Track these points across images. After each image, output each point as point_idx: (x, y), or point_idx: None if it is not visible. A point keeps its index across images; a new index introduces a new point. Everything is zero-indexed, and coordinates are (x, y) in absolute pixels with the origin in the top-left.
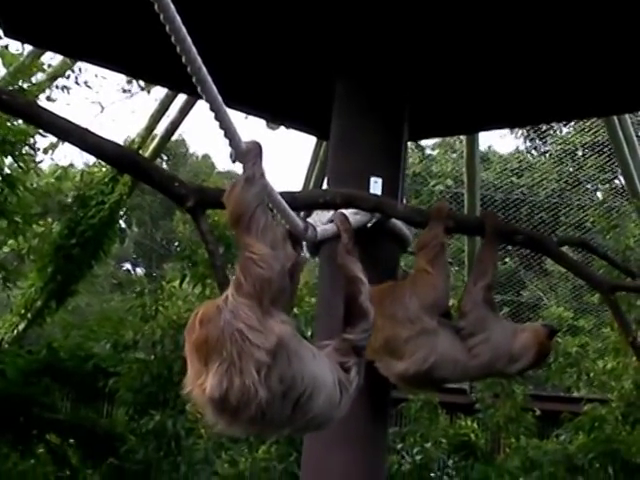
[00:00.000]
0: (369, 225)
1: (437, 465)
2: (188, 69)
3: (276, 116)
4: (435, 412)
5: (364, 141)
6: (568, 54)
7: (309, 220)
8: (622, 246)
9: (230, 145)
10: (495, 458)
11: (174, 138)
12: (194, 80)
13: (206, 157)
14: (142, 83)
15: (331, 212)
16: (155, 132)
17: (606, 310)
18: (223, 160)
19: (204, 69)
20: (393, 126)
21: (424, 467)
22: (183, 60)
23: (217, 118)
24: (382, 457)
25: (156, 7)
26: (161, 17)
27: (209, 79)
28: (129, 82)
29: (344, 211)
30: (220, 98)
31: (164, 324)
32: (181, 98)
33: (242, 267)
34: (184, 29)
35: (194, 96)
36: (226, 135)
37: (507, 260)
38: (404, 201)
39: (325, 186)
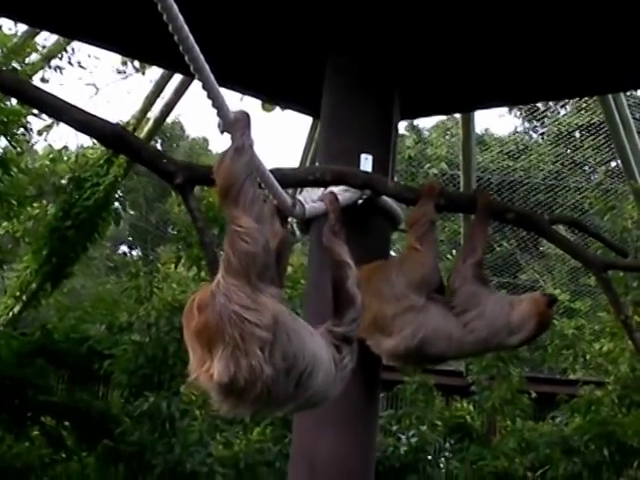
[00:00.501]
0: (359, 202)
1: (433, 447)
2: (175, 37)
3: (270, 96)
4: (431, 394)
5: (355, 118)
6: (563, 31)
7: (299, 197)
8: (619, 227)
9: (218, 115)
10: (491, 440)
11: (169, 120)
12: (181, 49)
13: (201, 139)
14: (137, 64)
15: (321, 190)
16: (150, 114)
17: (603, 292)
18: (218, 142)
19: (191, 37)
20: (384, 104)
21: (420, 449)
22: (170, 28)
23: (205, 88)
24: (373, 437)
25: None
26: None
27: (196, 48)
28: (124, 63)
29: (334, 188)
30: (207, 67)
31: (159, 306)
32: (176, 80)
33: (229, 242)
34: (175, 7)
35: (189, 76)
36: (214, 105)
37: (503, 242)
38: (395, 178)
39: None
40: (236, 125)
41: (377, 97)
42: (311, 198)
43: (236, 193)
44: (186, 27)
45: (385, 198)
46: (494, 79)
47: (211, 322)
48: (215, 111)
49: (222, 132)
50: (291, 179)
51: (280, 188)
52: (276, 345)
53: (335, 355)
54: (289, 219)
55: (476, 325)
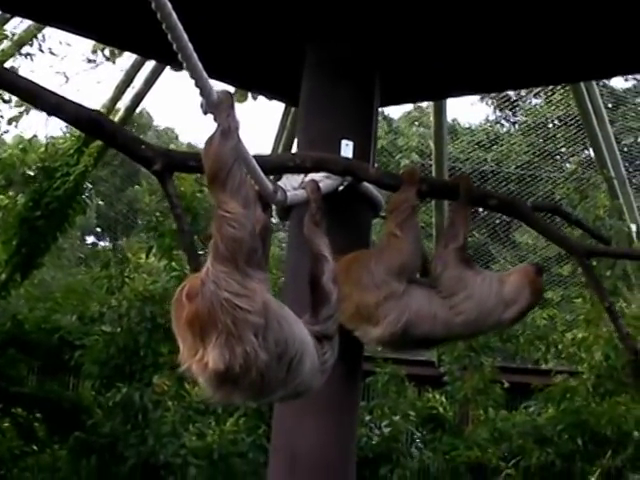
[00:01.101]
0: (340, 189)
1: (405, 438)
2: (158, 15)
3: (246, 84)
4: (403, 385)
5: (335, 104)
6: (536, 20)
7: (279, 184)
8: (592, 216)
9: (201, 94)
10: (463, 430)
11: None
12: (164, 27)
13: (169, 130)
14: (107, 53)
15: (301, 176)
16: (120, 104)
17: (574, 282)
18: (188, 133)
19: (174, 15)
20: (364, 89)
21: (392, 439)
22: (153, 6)
23: (187, 67)
24: (353, 427)
25: None
26: None
27: (180, 26)
28: (94, 52)
29: (315, 175)
30: (191, 47)
31: (130, 296)
32: (147, 69)
33: (216, 227)
34: None
35: (163, 61)
36: (197, 84)
37: (475, 233)
38: (375, 165)
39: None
40: (220, 106)
41: (358, 82)
42: (291, 185)
43: (224, 177)
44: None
45: (366, 184)
46: (470, 66)
47: (202, 310)
48: (198, 91)
49: (205, 113)
50: (271, 165)
51: (262, 173)
52: (268, 331)
53: (317, 347)
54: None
55: (465, 307)
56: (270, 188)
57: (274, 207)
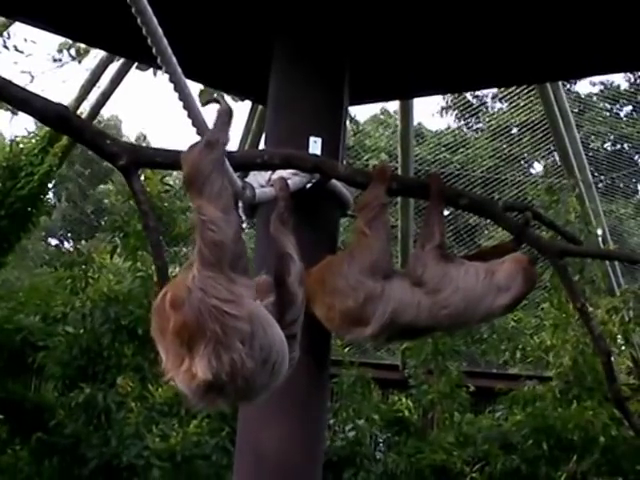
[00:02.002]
0: (308, 186)
1: (370, 441)
2: (148, 40)
3: (212, 82)
4: (368, 387)
5: (303, 101)
6: (503, 20)
7: (247, 181)
8: (562, 220)
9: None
10: (428, 434)
11: (107, 115)
12: (154, 51)
13: (140, 136)
14: (73, 52)
15: (269, 173)
16: (85, 103)
17: (539, 286)
18: (158, 138)
19: (165, 41)
20: (333, 85)
21: (357, 443)
22: (144, 32)
23: (176, 90)
24: (321, 428)
25: None
26: None
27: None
28: (60, 51)
29: (282, 172)
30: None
31: (94, 297)
32: (112, 68)
33: (198, 233)
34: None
35: (133, 59)
36: (185, 107)
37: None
38: (345, 162)
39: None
40: (217, 119)
41: (326, 79)
42: (258, 182)
43: (201, 184)
44: (154, 19)
45: (335, 182)
46: (438, 65)
47: (191, 320)
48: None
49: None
50: (238, 162)
51: (231, 169)
52: (254, 337)
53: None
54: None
55: (450, 301)
56: (238, 184)
57: (240, 205)
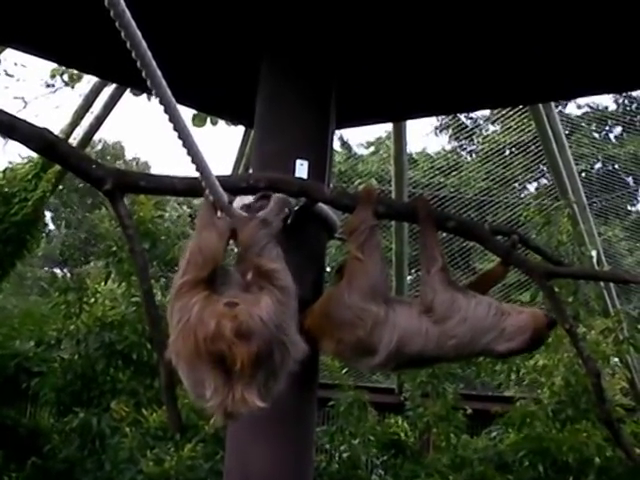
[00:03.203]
0: (294, 210)
1: (366, 464)
2: (138, 64)
3: (203, 106)
4: (364, 410)
5: (290, 123)
6: (493, 42)
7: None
8: (554, 242)
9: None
10: (424, 456)
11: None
12: (144, 74)
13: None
14: (66, 78)
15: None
16: (79, 129)
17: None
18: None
19: (154, 64)
20: (320, 108)
21: (352, 466)
22: (133, 55)
23: (167, 112)
24: (309, 450)
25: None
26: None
27: (149, 54)
28: (52, 77)
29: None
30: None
31: (89, 322)
32: (106, 93)
33: (267, 280)
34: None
35: (125, 84)
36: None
37: None
38: (331, 185)
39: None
40: (274, 205)
41: (313, 101)
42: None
43: (260, 250)
44: (144, 42)
45: (321, 205)
46: (426, 87)
47: (262, 351)
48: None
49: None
50: (224, 186)
51: (219, 186)
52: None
53: None
54: None
55: (458, 330)
56: (226, 200)
57: None
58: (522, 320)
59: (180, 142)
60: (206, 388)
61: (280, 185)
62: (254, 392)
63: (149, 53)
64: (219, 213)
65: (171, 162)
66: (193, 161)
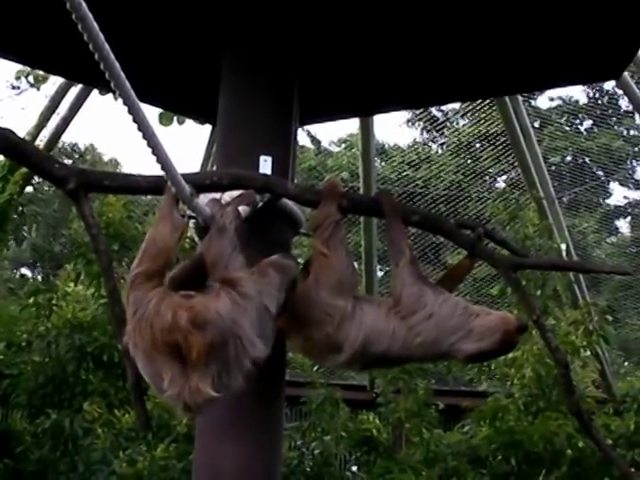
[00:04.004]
0: (258, 206)
1: (339, 461)
2: (101, 66)
3: (168, 105)
4: (336, 407)
5: (253, 119)
6: (458, 34)
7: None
8: (521, 236)
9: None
10: (397, 453)
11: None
12: (107, 76)
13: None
14: (31, 79)
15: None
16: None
17: (505, 303)
18: (132, 164)
19: (117, 65)
20: (282, 104)
21: (325, 462)
22: (96, 57)
23: (130, 112)
24: (278, 448)
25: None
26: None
27: (112, 56)
28: (17, 78)
29: (231, 193)
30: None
31: (59, 324)
32: (72, 94)
33: (229, 288)
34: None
35: (91, 85)
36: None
37: None
38: (295, 181)
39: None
40: (232, 203)
41: (276, 97)
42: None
43: (225, 265)
44: (106, 45)
45: (285, 201)
46: (393, 82)
47: (216, 342)
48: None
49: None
50: (188, 183)
51: (182, 179)
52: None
53: None
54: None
55: (423, 327)
56: (188, 192)
57: (193, 227)
58: (491, 321)
59: (141, 134)
60: (163, 379)
61: (244, 181)
62: (208, 382)
63: (112, 55)
64: (182, 206)
65: (145, 163)
66: (154, 153)
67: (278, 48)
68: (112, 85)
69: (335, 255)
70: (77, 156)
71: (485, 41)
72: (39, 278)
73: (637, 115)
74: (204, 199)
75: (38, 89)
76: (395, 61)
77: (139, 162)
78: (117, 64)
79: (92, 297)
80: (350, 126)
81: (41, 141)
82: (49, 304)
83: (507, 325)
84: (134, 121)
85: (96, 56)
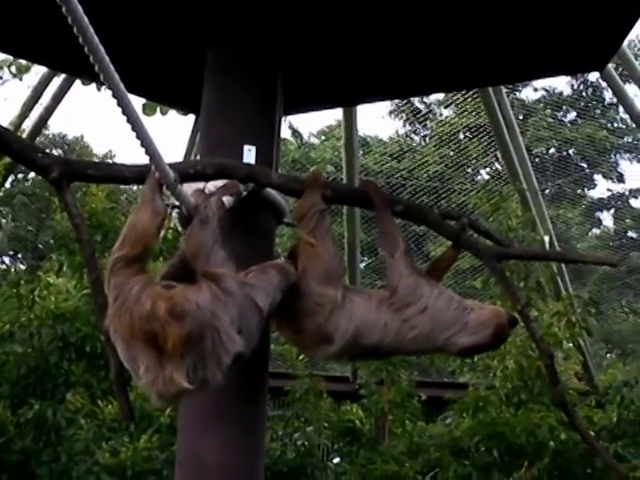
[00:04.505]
0: (242, 195)
1: (321, 451)
2: (86, 49)
3: (153, 95)
4: (320, 398)
5: (236, 109)
6: (442, 25)
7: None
8: (504, 228)
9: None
10: (380, 444)
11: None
12: (91, 60)
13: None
14: (14, 69)
15: (202, 184)
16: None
17: (488, 294)
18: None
19: (102, 50)
20: (266, 94)
21: (308, 453)
22: (81, 41)
23: (115, 96)
24: (261, 438)
25: None
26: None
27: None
28: (0, 68)
29: (215, 182)
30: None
31: (42, 314)
32: (55, 84)
33: (211, 282)
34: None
35: (74, 75)
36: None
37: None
38: (279, 170)
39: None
40: (216, 194)
41: (260, 87)
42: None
43: (206, 257)
44: (91, 28)
45: (269, 190)
46: (376, 72)
47: (194, 334)
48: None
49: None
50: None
51: (165, 162)
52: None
53: None
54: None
55: (418, 320)
56: (172, 178)
57: (176, 216)
58: (485, 315)
59: (125, 118)
60: (139, 366)
61: (227, 171)
62: (182, 374)
63: (101, 48)
64: (166, 194)
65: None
66: (138, 137)
67: (262, 38)
68: (102, 77)
69: (322, 244)
70: (65, 147)
71: (469, 31)
72: (21, 267)
73: (621, 107)
74: (188, 189)
75: (21, 79)
76: (378, 51)
77: (132, 156)
78: (106, 57)
79: (75, 288)
80: (330, 117)
81: (24, 131)
82: (32, 295)
83: (500, 319)
84: (119, 105)
85: (86, 49)
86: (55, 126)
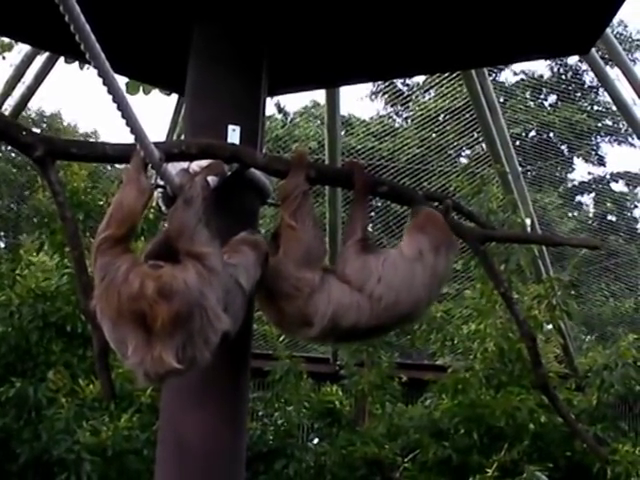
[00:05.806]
0: (226, 176)
1: (301, 431)
2: (71, 27)
3: (136, 74)
4: (300, 378)
5: (221, 89)
6: (425, 7)
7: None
8: (485, 210)
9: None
10: (360, 425)
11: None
12: (77, 38)
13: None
14: None
15: (186, 164)
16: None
17: (469, 277)
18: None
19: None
20: (251, 74)
21: (288, 434)
22: (66, 19)
23: (100, 75)
24: (243, 415)
25: None
26: None
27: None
28: None
29: (200, 162)
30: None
31: (22, 293)
32: (37, 63)
33: (197, 260)
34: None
35: (58, 53)
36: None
37: (368, 228)
38: (264, 151)
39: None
40: (200, 175)
41: (245, 67)
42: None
43: (190, 236)
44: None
45: (253, 171)
46: (359, 53)
47: (182, 313)
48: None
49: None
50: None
51: (149, 141)
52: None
53: None
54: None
55: (380, 291)
56: (157, 156)
57: (160, 196)
58: (409, 235)
59: (110, 97)
60: (127, 347)
61: (212, 150)
62: (171, 353)
63: (82, 17)
64: (150, 170)
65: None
66: (123, 116)
67: (248, 19)
68: (87, 56)
69: (302, 227)
70: (44, 125)
71: (452, 13)
72: (1, 245)
73: (602, 91)
74: (172, 169)
75: (3, 58)
76: (361, 33)
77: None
78: (92, 35)
79: (56, 267)
80: (312, 95)
81: (6, 110)
82: (12, 274)
83: (416, 222)
84: (104, 84)
85: (71, 27)
86: (35, 104)
